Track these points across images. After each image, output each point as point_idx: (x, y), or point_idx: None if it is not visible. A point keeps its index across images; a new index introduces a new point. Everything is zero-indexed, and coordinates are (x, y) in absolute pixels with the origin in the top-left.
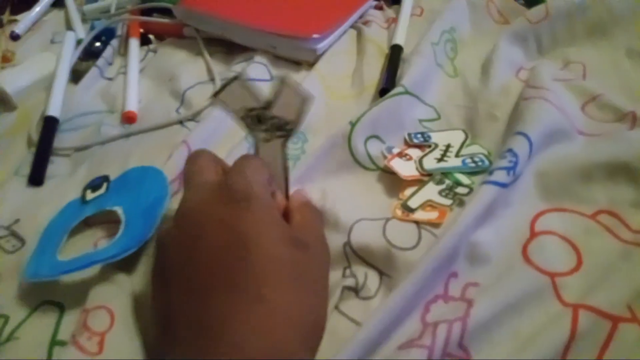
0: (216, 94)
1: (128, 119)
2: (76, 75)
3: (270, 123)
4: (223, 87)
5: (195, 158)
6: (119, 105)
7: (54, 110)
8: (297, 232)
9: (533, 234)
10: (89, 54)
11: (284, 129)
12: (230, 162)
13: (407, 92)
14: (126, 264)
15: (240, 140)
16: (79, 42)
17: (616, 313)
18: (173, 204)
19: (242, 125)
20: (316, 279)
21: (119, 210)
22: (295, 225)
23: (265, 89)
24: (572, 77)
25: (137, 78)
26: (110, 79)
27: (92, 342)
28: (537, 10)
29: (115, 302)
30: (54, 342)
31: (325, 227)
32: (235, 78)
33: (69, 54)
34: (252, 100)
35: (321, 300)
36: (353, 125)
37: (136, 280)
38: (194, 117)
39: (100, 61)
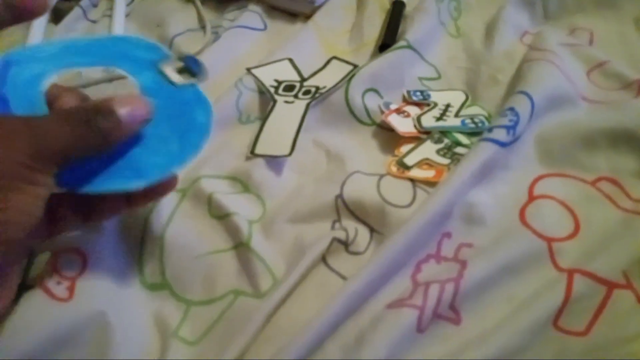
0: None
1: None
2: (57, 15)
3: (302, 91)
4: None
5: None
6: None
7: None
8: None
9: (531, 198)
10: None
11: (313, 95)
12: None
13: (409, 47)
14: None
15: (230, 87)
16: None
17: (611, 279)
18: None
19: (267, 90)
20: None
21: None
22: None
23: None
24: (579, 42)
25: (123, 21)
26: (94, 21)
27: (62, 287)
28: None
29: (88, 245)
30: (22, 286)
31: (317, 178)
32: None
33: None
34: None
35: None
36: (351, 76)
37: (112, 224)
38: None
39: (84, 2)
